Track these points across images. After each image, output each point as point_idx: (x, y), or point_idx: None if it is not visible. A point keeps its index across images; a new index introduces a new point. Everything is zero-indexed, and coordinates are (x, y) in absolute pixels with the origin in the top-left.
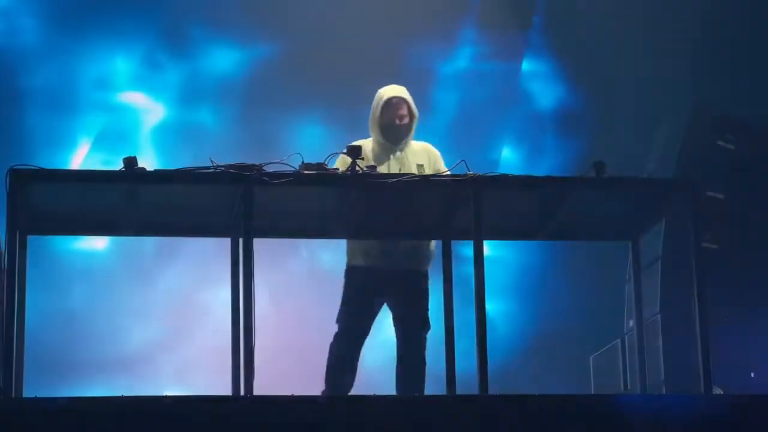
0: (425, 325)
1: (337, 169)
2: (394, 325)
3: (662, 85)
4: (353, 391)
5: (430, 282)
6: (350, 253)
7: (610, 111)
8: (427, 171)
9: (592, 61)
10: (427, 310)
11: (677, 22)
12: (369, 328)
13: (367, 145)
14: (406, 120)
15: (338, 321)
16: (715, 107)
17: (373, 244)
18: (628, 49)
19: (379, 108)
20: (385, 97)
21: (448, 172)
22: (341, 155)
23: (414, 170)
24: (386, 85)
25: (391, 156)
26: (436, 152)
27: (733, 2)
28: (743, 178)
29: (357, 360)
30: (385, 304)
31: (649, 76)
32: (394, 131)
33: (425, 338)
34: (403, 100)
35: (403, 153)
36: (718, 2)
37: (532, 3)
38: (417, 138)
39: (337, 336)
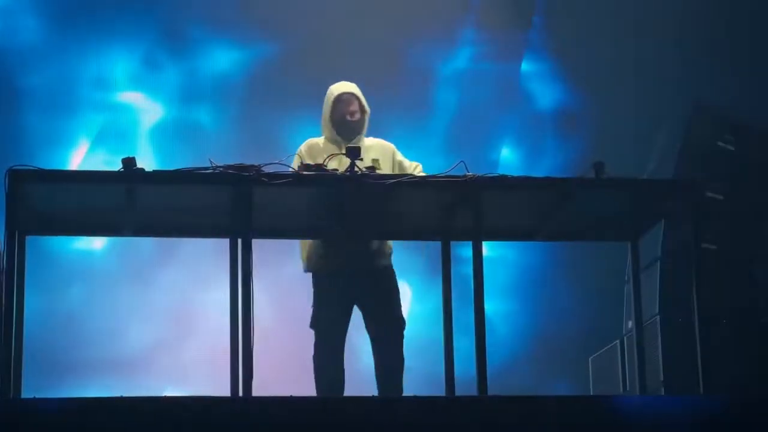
0: (400, 323)
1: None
2: (367, 328)
3: (662, 85)
4: (350, 392)
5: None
6: (307, 258)
7: (610, 111)
8: (384, 164)
9: (591, 62)
10: (400, 307)
11: (677, 23)
12: (346, 331)
13: (320, 142)
14: (357, 116)
15: (313, 327)
16: (716, 108)
17: (332, 247)
18: (627, 50)
19: (330, 104)
20: (336, 94)
21: (408, 162)
22: (297, 154)
23: (369, 164)
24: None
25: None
26: (391, 145)
27: (734, 3)
28: (743, 179)
29: (342, 363)
30: (355, 305)
31: (649, 76)
32: (346, 127)
33: (402, 336)
34: (353, 95)
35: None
36: (719, 3)
37: (531, 3)
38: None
39: (317, 345)
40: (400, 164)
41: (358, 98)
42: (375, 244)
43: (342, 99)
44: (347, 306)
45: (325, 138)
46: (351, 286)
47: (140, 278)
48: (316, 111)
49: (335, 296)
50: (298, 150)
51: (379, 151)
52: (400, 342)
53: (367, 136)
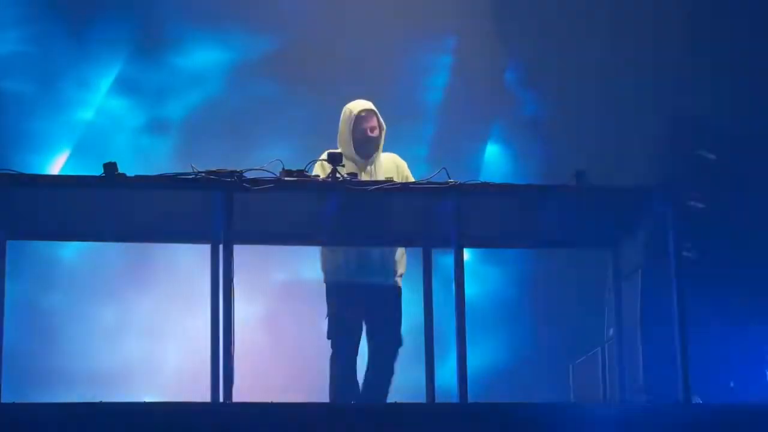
0: (398, 343)
1: (317, 175)
2: (367, 339)
3: (643, 94)
4: None
5: (403, 292)
6: (329, 269)
7: (591, 120)
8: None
9: (573, 71)
10: (400, 326)
11: (658, 32)
12: (359, 342)
13: None
14: (376, 131)
15: (330, 338)
16: (696, 117)
17: (350, 259)
18: (609, 60)
19: (351, 122)
20: (356, 111)
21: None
22: (319, 162)
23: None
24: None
25: (362, 172)
26: (403, 162)
27: (714, 12)
28: (723, 187)
29: (355, 373)
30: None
31: (630, 85)
32: (366, 145)
33: (397, 354)
34: (372, 112)
35: (373, 167)
36: (698, 12)
37: (515, 11)
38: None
39: (333, 358)
40: (407, 180)
41: (376, 114)
42: (386, 263)
43: (362, 116)
44: (359, 318)
45: (344, 154)
46: (362, 300)
47: (121, 284)
48: (298, 117)
49: (350, 308)
50: (318, 164)
51: (392, 169)
52: (394, 359)
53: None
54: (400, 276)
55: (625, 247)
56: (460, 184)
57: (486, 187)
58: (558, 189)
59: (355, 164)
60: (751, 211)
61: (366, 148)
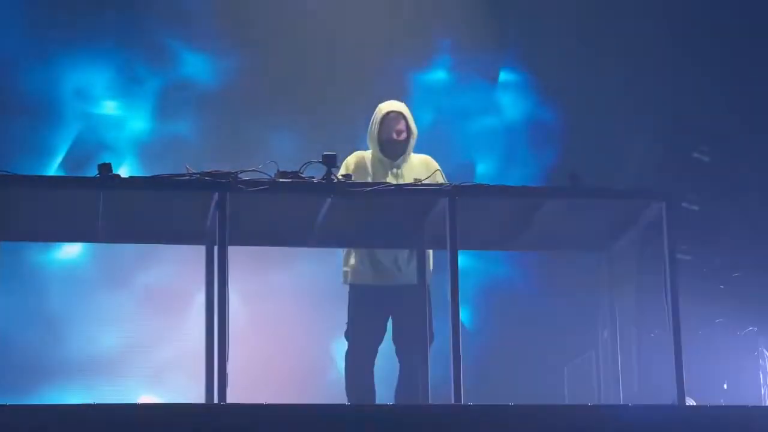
0: (431, 340)
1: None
2: (395, 341)
3: (638, 97)
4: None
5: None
6: (352, 272)
7: (586, 122)
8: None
9: (568, 72)
10: (430, 323)
11: (654, 35)
12: (379, 345)
13: (367, 157)
14: (403, 135)
15: (347, 337)
16: (691, 119)
17: (374, 261)
18: (605, 60)
19: (377, 122)
20: (384, 111)
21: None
22: (344, 164)
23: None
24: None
25: (389, 172)
26: (436, 165)
27: (710, 15)
28: (718, 190)
29: (372, 373)
30: (390, 318)
31: (624, 88)
32: (391, 147)
33: (424, 352)
34: (401, 115)
35: (400, 170)
36: (694, 15)
37: (508, 13)
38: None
39: (348, 355)
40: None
41: (405, 118)
42: (413, 261)
43: (389, 117)
44: (382, 319)
45: (372, 155)
46: (387, 301)
47: (117, 282)
48: (292, 120)
49: (371, 309)
50: (345, 161)
51: (422, 171)
52: (420, 357)
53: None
54: (426, 273)
55: (619, 249)
56: (454, 185)
57: (481, 188)
58: (553, 191)
59: (382, 165)
60: (746, 212)
61: (392, 150)
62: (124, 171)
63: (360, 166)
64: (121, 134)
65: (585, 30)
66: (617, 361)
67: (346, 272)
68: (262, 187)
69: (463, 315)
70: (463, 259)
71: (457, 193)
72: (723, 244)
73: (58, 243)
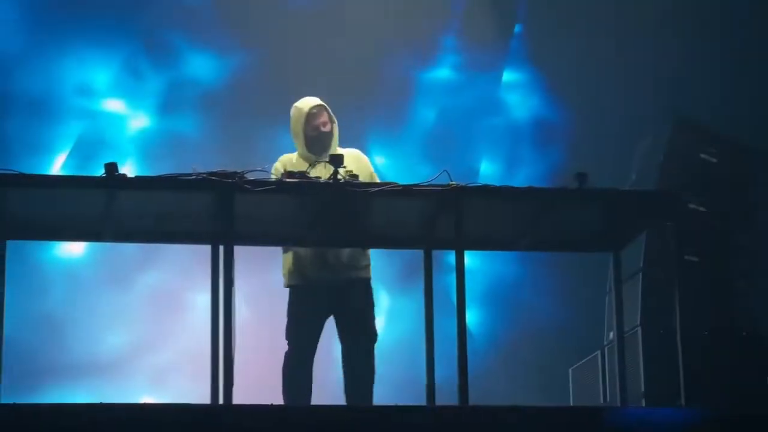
0: (372, 337)
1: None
2: (340, 339)
3: (645, 97)
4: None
5: (372, 290)
6: (288, 273)
7: (592, 122)
8: (360, 178)
9: (573, 72)
10: (374, 320)
11: (660, 35)
12: (316, 344)
13: (292, 158)
14: (328, 126)
15: (287, 338)
16: (698, 120)
17: (311, 260)
18: (610, 61)
19: (302, 121)
20: (306, 109)
21: (377, 179)
22: (273, 172)
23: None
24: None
25: (317, 168)
26: (366, 159)
27: (718, 15)
28: (725, 191)
29: (311, 374)
30: (332, 316)
31: (631, 87)
32: (319, 141)
33: (373, 350)
34: (322, 107)
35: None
36: (702, 15)
37: (513, 13)
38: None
39: (287, 356)
40: (371, 178)
41: (326, 109)
42: (351, 257)
43: (312, 113)
44: (320, 319)
45: (298, 154)
46: (326, 300)
47: (121, 282)
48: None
49: (309, 309)
50: (274, 167)
51: (353, 164)
52: (371, 354)
53: (340, 144)
54: (366, 267)
55: (626, 251)
56: (461, 185)
57: (488, 189)
58: (559, 191)
59: (309, 162)
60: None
61: (321, 144)
62: (126, 169)
63: (288, 167)
64: (123, 132)
65: (591, 28)
66: (623, 362)
67: (287, 274)
68: (268, 187)
69: (469, 315)
70: (468, 260)
71: (465, 194)
72: (730, 246)
73: (63, 242)
